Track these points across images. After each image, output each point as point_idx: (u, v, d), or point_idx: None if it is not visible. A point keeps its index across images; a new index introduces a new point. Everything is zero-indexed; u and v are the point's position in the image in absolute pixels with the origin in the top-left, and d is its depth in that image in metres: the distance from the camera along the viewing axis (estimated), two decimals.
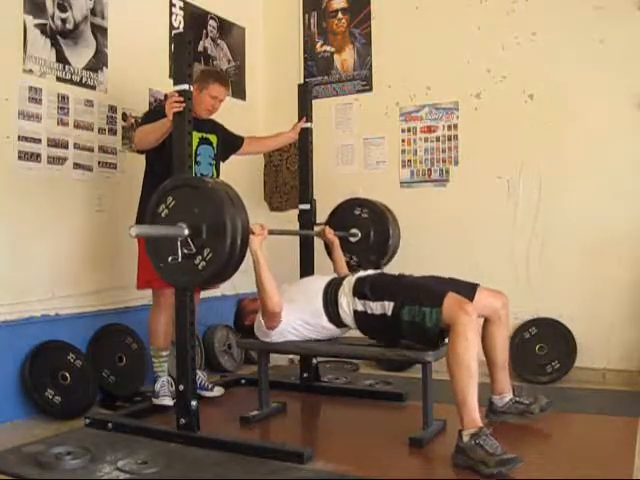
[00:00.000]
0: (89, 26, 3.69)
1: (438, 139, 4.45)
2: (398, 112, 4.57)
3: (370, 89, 4.69)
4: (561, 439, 2.80)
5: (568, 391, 3.63)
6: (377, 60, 4.66)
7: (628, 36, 3.89)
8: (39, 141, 3.41)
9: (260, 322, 2.96)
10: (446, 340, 2.65)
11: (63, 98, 3.54)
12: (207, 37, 4.59)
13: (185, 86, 2.77)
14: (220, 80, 3.34)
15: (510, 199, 4.20)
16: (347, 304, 2.83)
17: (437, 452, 2.65)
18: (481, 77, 4.27)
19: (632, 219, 3.87)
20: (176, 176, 2.67)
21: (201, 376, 3.47)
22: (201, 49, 4.52)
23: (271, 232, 2.99)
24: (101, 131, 3.75)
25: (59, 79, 3.52)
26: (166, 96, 3.06)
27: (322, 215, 3.82)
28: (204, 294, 3.67)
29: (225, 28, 4.75)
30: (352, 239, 3.75)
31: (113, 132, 3.82)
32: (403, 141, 4.56)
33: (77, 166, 3.60)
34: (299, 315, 2.92)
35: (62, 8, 3.53)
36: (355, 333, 2.95)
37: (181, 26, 4.30)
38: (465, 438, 2.39)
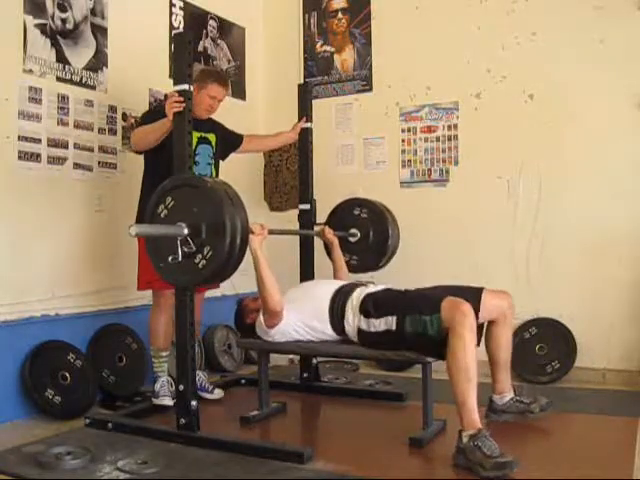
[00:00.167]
0: (89, 26, 3.69)
1: (438, 139, 4.45)
2: (398, 112, 4.57)
3: (370, 89, 4.69)
4: (561, 439, 2.80)
5: (568, 391, 3.63)
6: (377, 60, 4.66)
7: (628, 36, 3.89)
8: (39, 141, 3.41)
9: (261, 321, 2.96)
10: None
11: (63, 98, 3.54)
12: (207, 37, 4.59)
13: (185, 86, 2.77)
14: (219, 80, 3.33)
15: (510, 199, 4.20)
16: (353, 319, 2.82)
17: (437, 452, 2.65)
18: (481, 77, 4.27)
19: (632, 219, 3.87)
20: (175, 176, 2.67)
21: (202, 377, 3.47)
22: (201, 49, 4.52)
23: (271, 232, 2.99)
24: (101, 131, 3.75)
25: (59, 79, 3.52)
26: (166, 96, 3.07)
27: (322, 215, 3.82)
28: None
29: (225, 28, 4.75)
30: (351, 239, 3.75)
31: (113, 132, 3.82)
32: (403, 141, 4.56)
33: (77, 166, 3.60)
34: (302, 317, 2.92)
35: (62, 8, 3.53)
36: None
37: (181, 26, 4.30)
38: (464, 439, 2.39)
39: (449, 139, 4.42)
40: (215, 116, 3.46)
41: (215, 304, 4.23)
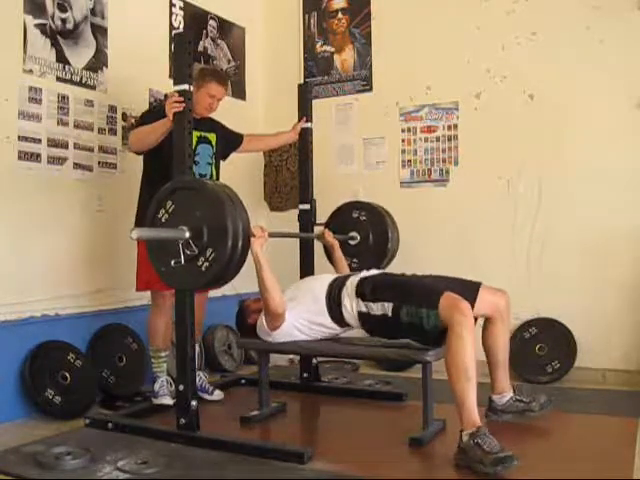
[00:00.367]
0: (89, 26, 3.69)
1: (438, 139, 4.45)
2: (398, 112, 4.57)
3: (370, 89, 4.69)
4: (561, 439, 2.80)
5: (568, 391, 3.63)
6: (377, 60, 4.66)
7: (628, 36, 3.89)
8: (39, 141, 3.41)
9: (262, 323, 2.96)
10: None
11: (63, 98, 3.54)
12: (207, 37, 4.59)
13: (185, 86, 2.76)
14: (218, 79, 3.33)
15: (510, 199, 4.20)
16: (350, 305, 2.82)
17: (437, 452, 2.65)
18: (481, 77, 4.27)
19: (632, 219, 3.87)
20: (176, 179, 2.66)
21: (202, 377, 3.46)
22: (201, 49, 4.52)
23: (271, 235, 2.99)
24: (101, 131, 3.75)
25: (59, 79, 3.52)
26: (166, 96, 3.07)
27: (322, 215, 3.82)
28: None
29: (225, 28, 4.75)
30: (351, 242, 3.74)
31: (113, 132, 3.83)
32: (403, 141, 4.56)
33: (77, 166, 3.61)
34: (302, 314, 2.92)
35: (62, 8, 3.53)
36: (355, 333, 2.95)
37: (181, 26, 4.30)
38: (465, 438, 2.40)
39: (449, 139, 4.42)
40: (215, 115, 3.46)
41: (215, 304, 4.22)
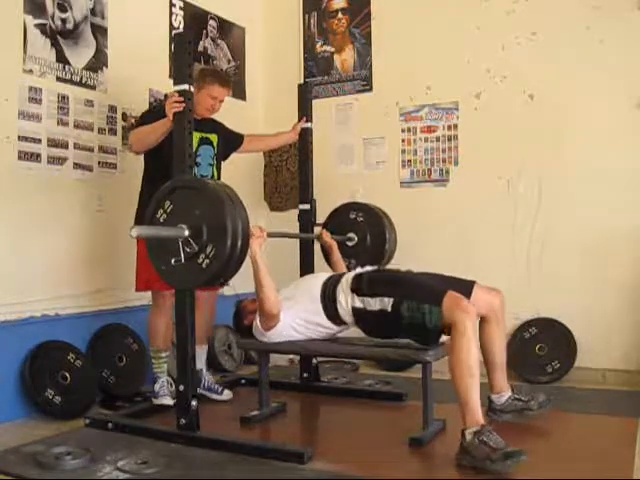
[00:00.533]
0: (89, 26, 3.69)
1: (438, 139, 4.45)
2: (398, 112, 4.57)
3: (370, 89, 4.69)
4: (561, 439, 2.80)
5: (568, 391, 3.63)
6: (377, 60, 4.66)
7: (628, 36, 3.89)
8: (39, 141, 3.41)
9: (257, 323, 2.96)
10: (443, 338, 2.65)
11: (63, 98, 3.54)
12: (207, 37, 4.59)
13: (185, 86, 2.76)
14: (220, 80, 3.32)
15: (510, 199, 4.20)
16: (345, 301, 2.82)
17: (437, 452, 2.65)
18: (481, 77, 4.27)
19: (632, 219, 3.87)
20: (175, 178, 2.66)
21: (209, 378, 3.44)
22: (201, 49, 4.52)
23: (270, 235, 2.99)
24: (101, 131, 3.75)
25: (59, 79, 3.52)
26: (166, 96, 3.07)
27: (322, 215, 3.82)
28: None
29: (225, 28, 4.75)
30: (349, 243, 3.74)
31: (113, 132, 3.83)
32: (403, 141, 4.56)
33: (77, 166, 3.61)
34: (298, 314, 2.92)
35: (62, 8, 3.53)
36: (355, 333, 2.95)
37: (181, 26, 4.30)
38: (468, 437, 2.39)
39: (449, 139, 4.42)
40: (215, 116, 3.45)
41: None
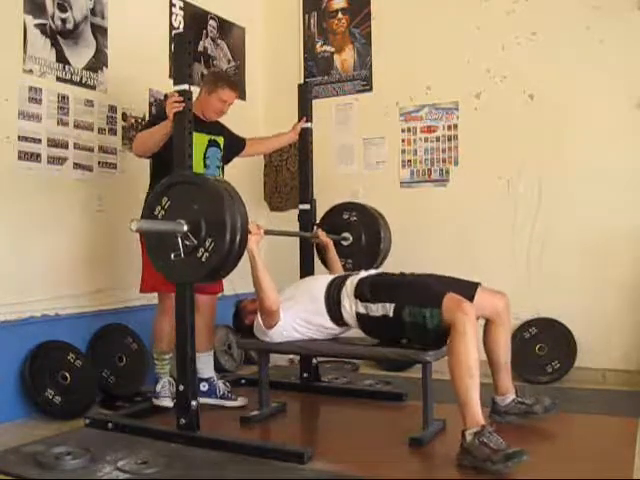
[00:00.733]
0: (89, 26, 3.69)
1: (438, 139, 4.45)
2: (398, 112, 4.57)
3: (370, 89, 4.69)
4: (561, 439, 2.80)
5: (568, 391, 3.63)
6: (377, 60, 4.66)
7: (628, 36, 3.89)
8: (39, 141, 3.41)
9: (259, 322, 2.96)
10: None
11: (63, 98, 3.54)
12: (207, 37, 4.59)
13: (185, 86, 2.77)
14: (230, 84, 3.34)
15: (510, 199, 4.20)
16: (350, 306, 2.83)
17: (437, 452, 2.65)
18: (481, 77, 4.27)
19: (632, 219, 3.87)
20: (172, 174, 2.67)
21: (222, 386, 3.38)
22: (201, 49, 4.52)
23: (267, 232, 2.99)
24: (101, 131, 3.75)
25: (59, 79, 3.52)
26: (166, 96, 3.07)
27: (322, 215, 3.82)
28: None
29: (225, 28, 4.75)
30: (344, 242, 3.74)
31: (113, 132, 3.83)
32: (403, 141, 4.56)
33: (77, 166, 3.61)
34: (300, 314, 2.92)
35: (62, 8, 3.53)
36: (355, 333, 2.95)
37: (181, 26, 4.30)
38: (468, 438, 2.39)
39: (449, 139, 4.42)
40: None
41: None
